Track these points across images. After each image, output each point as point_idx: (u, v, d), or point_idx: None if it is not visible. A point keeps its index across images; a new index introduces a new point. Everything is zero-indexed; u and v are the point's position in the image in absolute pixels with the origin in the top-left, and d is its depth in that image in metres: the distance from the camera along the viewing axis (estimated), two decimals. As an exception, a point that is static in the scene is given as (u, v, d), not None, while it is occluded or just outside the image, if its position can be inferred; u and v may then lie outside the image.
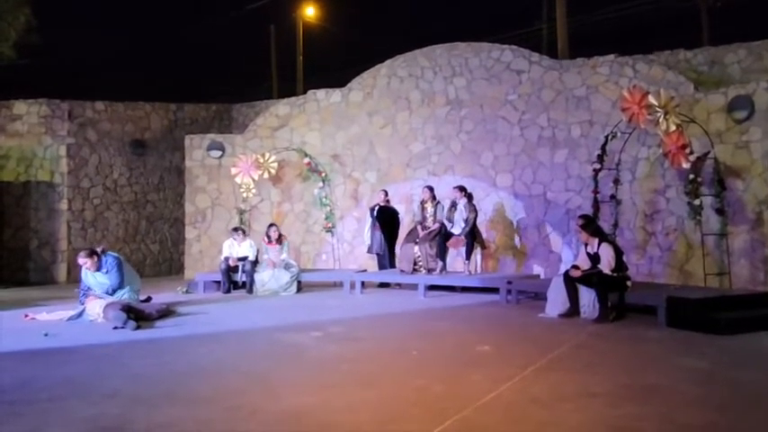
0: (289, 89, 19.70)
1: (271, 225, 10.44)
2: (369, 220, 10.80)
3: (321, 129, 12.35)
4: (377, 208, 10.59)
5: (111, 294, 7.44)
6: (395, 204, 10.91)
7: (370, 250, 10.77)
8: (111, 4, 24.28)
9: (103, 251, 7.68)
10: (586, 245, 7.41)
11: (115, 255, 7.79)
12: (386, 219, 10.53)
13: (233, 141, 12.65)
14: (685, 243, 9.02)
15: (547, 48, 17.77)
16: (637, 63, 10.31)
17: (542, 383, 4.45)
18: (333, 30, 23.39)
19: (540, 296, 8.27)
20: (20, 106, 12.48)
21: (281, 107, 12.82)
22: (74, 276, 12.10)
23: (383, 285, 10.62)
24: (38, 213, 12.36)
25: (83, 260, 7.48)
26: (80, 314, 7.29)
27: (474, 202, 9.87)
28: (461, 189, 9.75)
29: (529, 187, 10.87)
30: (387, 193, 10.72)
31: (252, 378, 4.72)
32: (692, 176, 8.18)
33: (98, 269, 7.48)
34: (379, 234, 10.60)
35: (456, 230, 9.66)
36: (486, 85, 11.31)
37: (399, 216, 10.77)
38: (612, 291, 7.10)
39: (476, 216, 9.71)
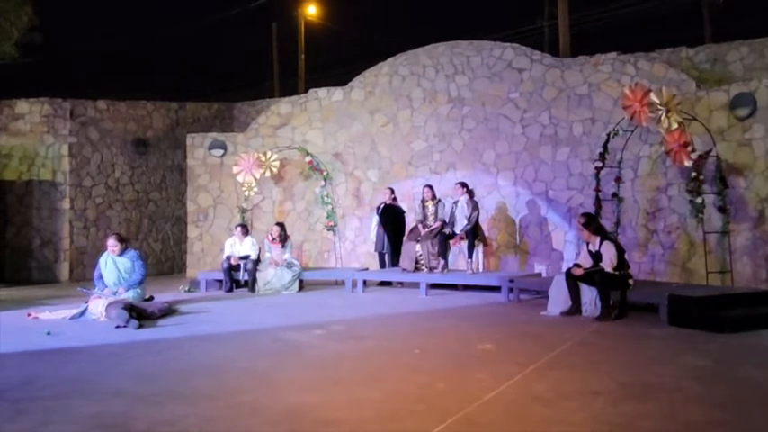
0: (290, 87, 19.71)
1: (277, 224, 10.42)
2: (374, 219, 10.81)
3: (323, 127, 12.36)
4: (382, 206, 10.60)
5: (139, 284, 7.90)
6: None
7: (376, 248, 10.80)
8: (114, 2, 24.32)
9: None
10: (588, 243, 7.41)
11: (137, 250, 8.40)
12: (391, 217, 10.53)
13: (235, 140, 12.67)
14: (687, 241, 9.01)
15: (549, 46, 17.78)
16: (638, 61, 10.30)
17: (544, 381, 4.45)
18: (334, 28, 23.40)
19: (541, 294, 8.28)
20: (22, 105, 12.51)
21: (283, 106, 12.83)
22: (76, 275, 12.15)
23: (384, 284, 10.63)
24: (40, 212, 12.38)
25: (113, 242, 7.94)
26: (83, 313, 7.32)
27: (476, 198, 9.88)
28: (463, 185, 9.76)
29: (531, 185, 10.87)
30: (393, 191, 10.71)
31: (254, 376, 4.72)
32: (694, 174, 8.18)
33: (120, 255, 7.94)
34: (382, 232, 10.61)
35: (457, 229, 9.66)
36: (487, 84, 11.31)
37: (405, 214, 10.76)
38: (614, 289, 7.11)
39: (478, 213, 9.73)
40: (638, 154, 9.72)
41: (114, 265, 7.86)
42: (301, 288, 10.02)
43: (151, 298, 8.27)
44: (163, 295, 8.99)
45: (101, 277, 7.90)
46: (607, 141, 9.22)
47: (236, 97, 17.13)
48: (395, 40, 16.13)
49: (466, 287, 9.77)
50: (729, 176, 8.45)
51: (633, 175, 9.75)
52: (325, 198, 11.47)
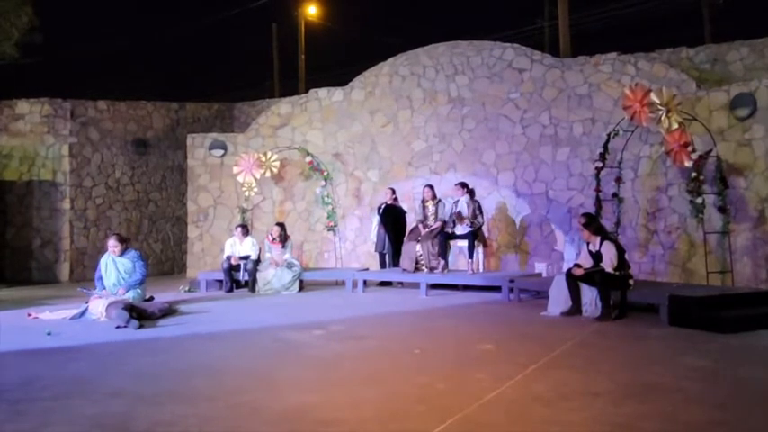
0: (290, 88, 19.72)
1: (277, 224, 10.42)
2: (375, 219, 10.80)
3: (323, 127, 12.36)
4: (383, 206, 10.59)
5: (139, 285, 7.85)
6: (396, 203, 10.91)
7: (377, 249, 10.80)
8: (114, 2, 24.33)
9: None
10: (588, 243, 7.41)
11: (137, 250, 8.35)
12: (392, 217, 10.52)
13: (235, 140, 12.67)
14: (688, 241, 9.01)
15: (549, 46, 17.77)
16: (639, 61, 10.30)
17: (544, 381, 4.45)
18: (335, 28, 23.41)
19: (542, 294, 8.27)
20: (22, 106, 12.52)
21: (283, 106, 12.83)
22: (76, 275, 12.15)
23: (384, 284, 10.63)
24: (40, 212, 12.39)
25: (114, 243, 7.87)
26: (83, 313, 7.32)
27: (476, 198, 9.87)
28: (463, 185, 9.76)
29: (531, 186, 10.86)
30: (394, 192, 10.71)
31: (254, 376, 4.72)
32: (694, 174, 8.18)
33: (121, 256, 7.89)
34: (383, 232, 10.60)
35: (457, 230, 9.66)
36: (487, 84, 11.31)
37: (405, 215, 10.74)
38: (614, 289, 7.10)
39: (482, 214, 9.73)
40: (639, 154, 9.72)
41: (114, 266, 7.85)
42: (301, 288, 10.01)
43: (151, 298, 8.27)
44: (163, 295, 8.99)
45: (101, 278, 7.89)
46: (607, 141, 9.22)
47: (236, 97, 17.13)
48: (395, 41, 16.13)
49: (466, 287, 9.77)
50: (729, 176, 8.45)
51: (633, 176, 9.74)
52: (326, 198, 11.47)
